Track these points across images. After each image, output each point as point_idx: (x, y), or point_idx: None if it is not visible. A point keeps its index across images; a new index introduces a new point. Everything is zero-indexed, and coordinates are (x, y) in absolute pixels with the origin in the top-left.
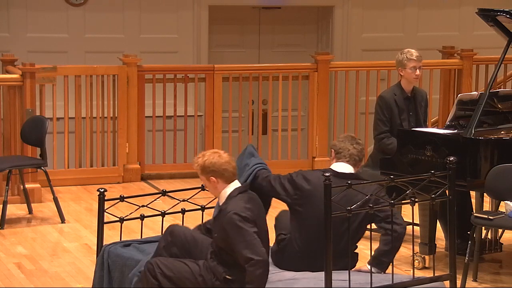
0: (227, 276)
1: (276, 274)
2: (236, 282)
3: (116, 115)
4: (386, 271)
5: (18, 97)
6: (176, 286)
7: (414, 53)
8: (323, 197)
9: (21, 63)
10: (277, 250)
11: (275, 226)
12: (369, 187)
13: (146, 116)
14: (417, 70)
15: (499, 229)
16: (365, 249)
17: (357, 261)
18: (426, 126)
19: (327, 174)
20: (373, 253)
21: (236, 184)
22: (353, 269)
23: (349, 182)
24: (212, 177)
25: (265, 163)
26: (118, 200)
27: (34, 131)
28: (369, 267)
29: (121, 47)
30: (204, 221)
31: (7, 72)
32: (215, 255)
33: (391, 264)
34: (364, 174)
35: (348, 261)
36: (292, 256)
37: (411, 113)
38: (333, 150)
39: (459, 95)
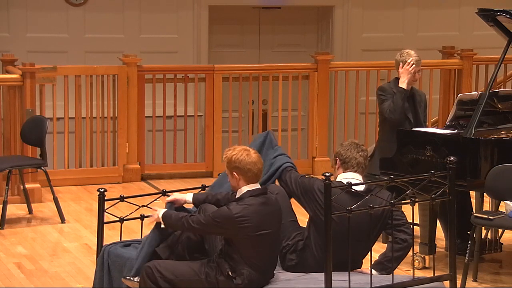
0: (230, 273)
1: (276, 274)
2: (238, 279)
3: (116, 115)
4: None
5: (18, 97)
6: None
7: (413, 56)
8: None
9: (21, 63)
10: (294, 256)
11: None
12: (380, 198)
13: (146, 116)
14: (416, 74)
15: (499, 229)
16: None
17: (362, 264)
18: (426, 127)
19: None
20: (377, 258)
21: (256, 186)
22: (354, 271)
23: (349, 182)
24: (235, 173)
25: (290, 158)
26: (118, 200)
27: (34, 131)
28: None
29: (121, 47)
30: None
31: (7, 72)
32: (222, 251)
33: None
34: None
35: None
36: (310, 262)
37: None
38: (338, 159)
39: (459, 95)
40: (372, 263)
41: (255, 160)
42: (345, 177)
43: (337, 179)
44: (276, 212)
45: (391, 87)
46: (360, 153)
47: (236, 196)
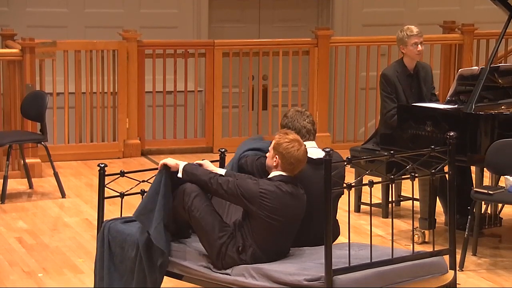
0: (240, 249)
1: None
2: (243, 254)
3: (116, 91)
4: (386, 245)
5: (18, 72)
6: (194, 225)
7: (414, 29)
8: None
9: (20, 38)
10: None
11: None
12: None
13: (146, 92)
14: (419, 46)
15: (499, 204)
16: (365, 224)
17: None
18: (435, 99)
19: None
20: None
21: (289, 174)
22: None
23: (349, 158)
24: (277, 157)
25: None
26: (119, 175)
27: (34, 106)
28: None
29: (121, 22)
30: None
31: (7, 46)
32: (241, 225)
33: (391, 239)
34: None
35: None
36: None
37: (413, 90)
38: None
39: (459, 70)
40: None
41: (301, 158)
42: None
43: None
44: (298, 206)
45: (396, 71)
46: (306, 120)
47: (268, 176)
